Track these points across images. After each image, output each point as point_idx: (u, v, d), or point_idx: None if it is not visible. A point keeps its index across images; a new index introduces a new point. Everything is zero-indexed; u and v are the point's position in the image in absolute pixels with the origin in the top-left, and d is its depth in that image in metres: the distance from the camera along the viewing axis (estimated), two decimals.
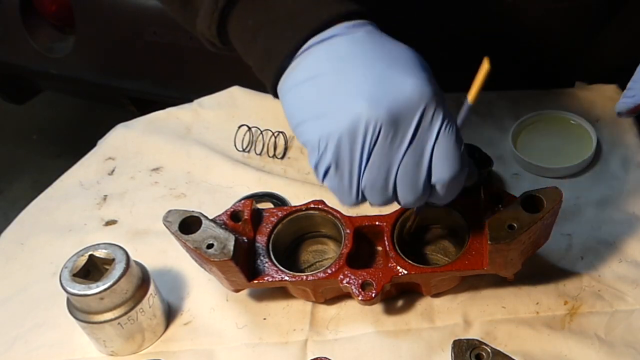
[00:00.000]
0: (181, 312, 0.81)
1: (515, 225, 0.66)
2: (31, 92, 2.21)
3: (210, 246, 0.70)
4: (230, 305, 0.81)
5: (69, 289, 0.70)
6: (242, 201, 0.78)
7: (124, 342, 0.75)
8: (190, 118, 1.06)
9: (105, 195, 0.96)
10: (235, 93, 1.08)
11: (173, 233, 0.71)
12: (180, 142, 1.02)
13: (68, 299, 0.73)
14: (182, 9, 0.69)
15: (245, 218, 0.76)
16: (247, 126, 1.00)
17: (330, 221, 0.79)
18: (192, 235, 0.71)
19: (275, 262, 0.75)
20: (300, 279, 0.74)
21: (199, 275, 0.82)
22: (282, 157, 0.99)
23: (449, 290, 0.79)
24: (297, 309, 0.80)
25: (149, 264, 0.77)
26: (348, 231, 0.76)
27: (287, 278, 0.74)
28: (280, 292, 0.81)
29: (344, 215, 0.77)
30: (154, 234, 0.89)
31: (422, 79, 0.57)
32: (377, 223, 0.77)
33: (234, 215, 0.76)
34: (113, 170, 1.00)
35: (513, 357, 0.63)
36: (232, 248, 0.69)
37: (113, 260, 0.72)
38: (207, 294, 0.82)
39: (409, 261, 0.74)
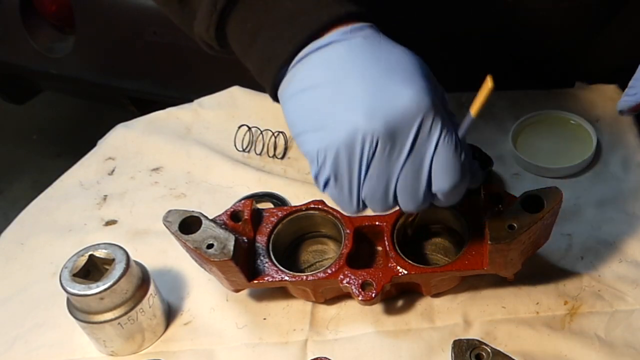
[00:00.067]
0: (181, 312, 0.81)
1: (515, 225, 0.66)
2: (31, 92, 2.21)
3: (210, 246, 0.70)
4: (230, 305, 0.81)
5: (69, 289, 0.70)
6: (242, 201, 0.78)
7: (124, 342, 0.75)
8: (190, 118, 1.06)
9: (105, 195, 0.96)
10: (235, 93, 1.08)
11: (173, 233, 0.71)
12: (180, 142, 1.02)
13: (68, 299, 0.73)
14: (180, 11, 0.69)
15: (245, 218, 0.76)
16: (247, 126, 1.00)
17: (330, 221, 0.79)
18: (192, 235, 0.71)
19: (275, 262, 0.75)
20: (300, 279, 0.74)
21: (199, 275, 0.82)
22: (282, 157, 0.99)
23: (449, 290, 0.79)
24: (297, 309, 0.80)
25: (149, 264, 0.77)
26: (348, 231, 0.76)
27: (287, 278, 0.74)
28: (280, 292, 0.81)
29: (344, 215, 0.77)
30: (154, 234, 0.89)
31: (420, 88, 0.56)
32: (377, 223, 0.77)
33: (234, 215, 0.76)
34: (113, 170, 1.00)
35: (513, 357, 0.63)
36: (232, 248, 0.70)
37: (113, 260, 0.72)
38: (207, 294, 0.82)
39: (409, 261, 0.74)
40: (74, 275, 0.71)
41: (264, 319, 0.79)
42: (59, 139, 2.51)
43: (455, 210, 0.76)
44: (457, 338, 0.65)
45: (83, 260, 0.72)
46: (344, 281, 0.73)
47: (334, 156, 0.57)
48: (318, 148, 0.58)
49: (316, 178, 0.60)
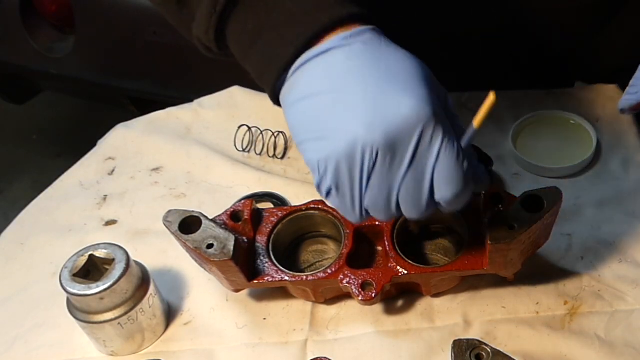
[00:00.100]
0: (181, 312, 0.81)
1: (515, 225, 0.66)
2: (31, 92, 2.21)
3: (210, 246, 0.70)
4: (230, 305, 0.81)
5: (69, 289, 0.70)
6: (242, 201, 0.78)
7: (124, 342, 0.75)
8: (190, 118, 1.06)
9: (105, 195, 0.96)
10: (235, 93, 1.08)
11: (173, 233, 0.71)
12: (180, 142, 1.02)
13: (68, 299, 0.73)
14: (178, 13, 0.67)
15: (245, 218, 0.76)
16: (247, 126, 1.00)
17: (330, 221, 0.79)
18: (192, 235, 0.71)
19: (275, 262, 0.75)
20: (300, 279, 0.74)
21: (199, 275, 0.82)
22: (282, 157, 0.99)
23: (449, 290, 0.79)
24: (297, 309, 0.80)
25: (149, 264, 0.77)
26: (348, 231, 0.76)
27: (287, 278, 0.74)
28: (280, 292, 0.81)
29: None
30: (154, 234, 0.89)
31: (420, 97, 0.55)
32: (377, 223, 0.76)
33: (234, 215, 0.76)
34: (113, 170, 1.00)
35: (513, 357, 0.63)
36: (232, 248, 0.70)
37: (113, 260, 0.72)
38: (207, 294, 0.82)
39: (409, 261, 0.74)
40: (74, 275, 0.71)
41: (264, 319, 0.79)
42: (59, 139, 2.51)
43: (455, 211, 0.76)
44: (457, 338, 0.65)
45: (83, 260, 0.72)
46: (344, 281, 0.73)
47: (334, 167, 0.57)
48: (319, 158, 0.57)
49: (318, 187, 0.59)
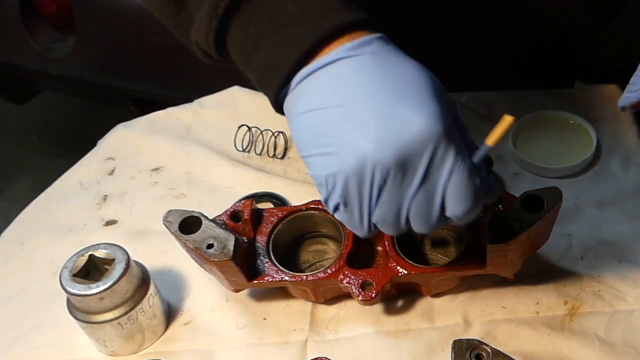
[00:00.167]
0: (181, 312, 0.81)
1: (515, 225, 0.66)
2: (31, 92, 2.21)
3: (210, 246, 0.70)
4: (230, 305, 0.81)
5: (69, 289, 0.70)
6: (242, 201, 0.78)
7: (124, 342, 0.75)
8: (190, 118, 1.06)
9: (105, 195, 0.96)
10: (235, 93, 1.08)
11: (173, 233, 0.71)
12: (180, 142, 1.02)
13: (68, 299, 0.73)
14: (176, 16, 0.64)
15: (245, 218, 0.76)
16: (247, 126, 1.00)
17: (330, 221, 0.79)
18: (192, 235, 0.71)
19: (275, 262, 0.75)
20: (300, 279, 0.74)
21: (199, 275, 0.82)
22: (282, 157, 0.99)
23: (449, 290, 0.79)
24: (297, 309, 0.80)
25: (149, 264, 0.77)
26: (348, 231, 0.76)
27: (287, 278, 0.74)
28: (280, 292, 0.81)
29: None
30: (154, 234, 0.89)
31: (432, 113, 0.54)
32: None
33: (234, 215, 0.76)
34: (113, 170, 1.00)
35: (513, 357, 0.63)
36: (232, 248, 0.69)
37: (113, 260, 0.72)
38: (207, 294, 0.82)
39: (409, 261, 0.74)
40: (74, 275, 0.71)
41: (264, 319, 0.79)
42: (59, 139, 2.51)
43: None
44: (457, 338, 0.65)
45: (83, 260, 0.72)
46: (344, 281, 0.73)
47: (343, 183, 0.55)
48: (327, 174, 0.56)
49: (326, 202, 0.58)
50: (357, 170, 0.54)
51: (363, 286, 0.72)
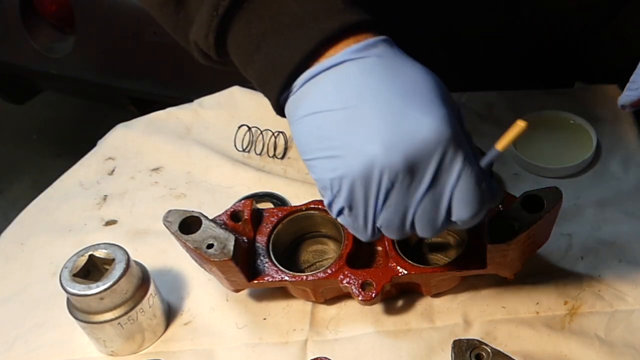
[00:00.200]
0: (181, 312, 0.81)
1: (515, 225, 0.66)
2: (31, 92, 2.21)
3: (210, 246, 0.70)
4: (230, 305, 0.81)
5: (69, 289, 0.70)
6: (242, 201, 0.78)
7: (124, 342, 0.75)
8: (190, 118, 1.06)
9: (105, 195, 0.96)
10: (235, 93, 1.08)
11: (173, 233, 0.71)
12: (180, 142, 1.02)
13: (68, 299, 0.73)
14: (174, 16, 0.63)
15: (245, 218, 0.76)
16: (247, 126, 1.00)
17: (330, 221, 0.79)
18: (192, 235, 0.71)
19: (275, 262, 0.75)
20: (300, 279, 0.74)
21: (199, 275, 0.82)
22: (282, 157, 0.99)
23: (449, 290, 0.79)
24: (297, 309, 0.80)
25: (149, 264, 0.77)
26: (348, 231, 0.76)
27: (287, 278, 0.74)
28: (280, 292, 0.81)
29: None
30: (154, 234, 0.89)
31: (440, 117, 0.53)
32: None
33: (234, 215, 0.76)
34: (113, 170, 1.00)
35: (513, 357, 0.63)
36: (232, 248, 0.69)
37: (113, 260, 0.72)
38: (207, 294, 0.82)
39: (409, 261, 0.74)
40: (74, 275, 0.71)
41: (264, 319, 0.79)
42: (59, 139, 2.51)
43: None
44: (457, 338, 0.65)
45: (83, 260, 0.72)
46: (344, 281, 0.73)
47: (349, 187, 0.55)
48: (332, 177, 0.55)
49: (329, 206, 0.58)
50: (364, 173, 0.54)
51: (363, 286, 0.72)
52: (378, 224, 0.58)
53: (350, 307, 0.79)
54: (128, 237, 0.89)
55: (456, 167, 0.54)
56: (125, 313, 0.72)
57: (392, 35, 0.60)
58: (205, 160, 0.99)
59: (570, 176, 0.92)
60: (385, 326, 0.77)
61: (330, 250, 0.82)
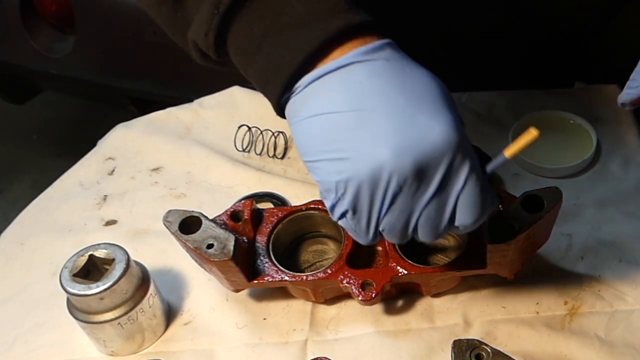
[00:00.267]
0: (181, 312, 0.81)
1: (515, 225, 0.66)
2: (31, 92, 2.21)
3: (210, 246, 0.70)
4: (230, 305, 0.81)
5: (69, 289, 0.70)
6: (242, 201, 0.78)
7: (124, 342, 0.75)
8: (190, 118, 1.06)
9: (105, 195, 0.96)
10: (235, 93, 1.08)
11: (173, 233, 0.71)
12: (180, 142, 1.02)
13: (68, 299, 0.73)
14: (172, 15, 0.62)
15: (245, 218, 0.76)
16: (247, 126, 1.00)
17: (330, 221, 0.79)
18: (192, 235, 0.71)
19: (275, 262, 0.75)
20: (300, 279, 0.74)
21: (199, 275, 0.82)
22: (282, 157, 0.99)
23: (449, 290, 0.79)
24: (297, 309, 0.80)
25: (149, 264, 0.77)
26: None
27: (287, 278, 0.74)
28: (280, 292, 0.81)
29: None
30: (154, 234, 0.89)
31: (449, 122, 0.53)
32: None
33: (234, 215, 0.76)
34: (113, 170, 1.00)
35: (513, 357, 0.63)
36: (232, 248, 0.69)
37: (113, 260, 0.72)
38: (207, 294, 0.82)
39: (409, 261, 0.74)
40: (74, 275, 0.71)
41: (264, 319, 0.79)
42: (59, 139, 2.51)
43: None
44: (457, 338, 0.65)
45: (83, 260, 0.72)
46: (344, 281, 0.73)
47: (354, 190, 0.54)
48: (337, 180, 0.55)
49: (332, 208, 0.57)
50: (372, 177, 0.53)
51: (363, 286, 0.72)
52: (381, 228, 0.57)
53: (350, 307, 0.79)
54: (128, 237, 0.89)
55: (463, 172, 0.54)
56: (125, 313, 0.72)
57: (392, 36, 0.59)
58: (205, 160, 0.99)
59: (570, 176, 0.92)
60: (385, 326, 0.77)
61: (330, 250, 0.82)
